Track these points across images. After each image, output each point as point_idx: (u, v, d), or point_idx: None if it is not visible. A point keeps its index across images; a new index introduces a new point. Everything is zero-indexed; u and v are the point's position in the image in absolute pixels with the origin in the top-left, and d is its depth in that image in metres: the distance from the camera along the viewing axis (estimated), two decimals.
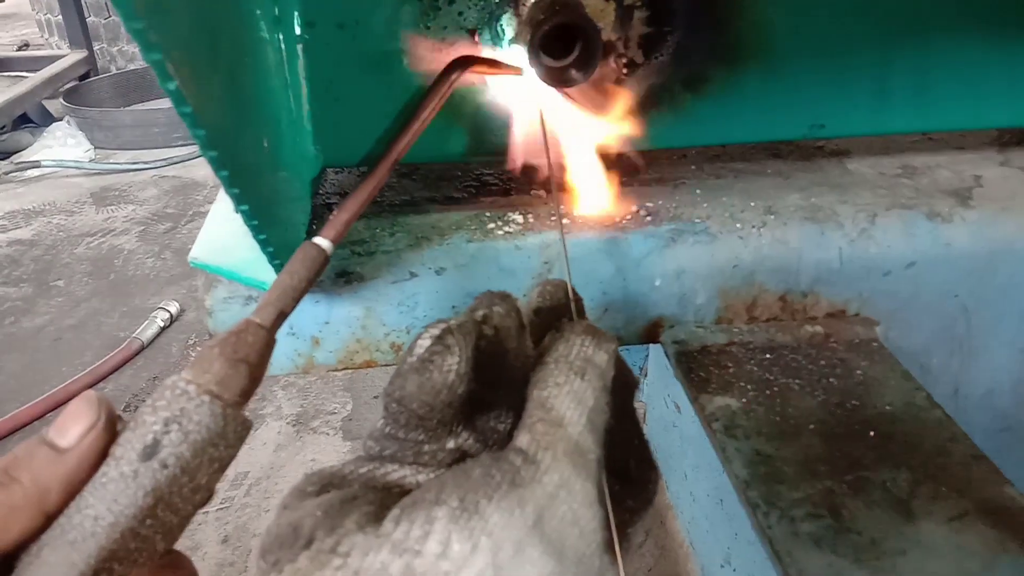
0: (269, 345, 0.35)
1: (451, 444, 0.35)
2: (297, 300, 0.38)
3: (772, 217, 0.64)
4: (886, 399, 0.57)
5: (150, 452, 0.30)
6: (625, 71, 0.61)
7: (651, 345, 0.70)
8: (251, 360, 0.34)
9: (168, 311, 1.99)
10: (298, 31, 0.56)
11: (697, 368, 0.61)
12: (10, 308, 2.12)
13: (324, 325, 0.59)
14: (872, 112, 0.65)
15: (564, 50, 0.56)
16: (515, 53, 0.56)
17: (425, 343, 0.33)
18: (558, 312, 0.40)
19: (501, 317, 0.35)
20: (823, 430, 0.55)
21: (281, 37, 0.55)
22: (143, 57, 0.29)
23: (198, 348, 1.87)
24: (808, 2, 0.61)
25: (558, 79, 0.55)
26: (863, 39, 0.64)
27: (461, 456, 0.35)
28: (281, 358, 0.59)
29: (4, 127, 3.32)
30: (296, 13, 0.55)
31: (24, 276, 2.29)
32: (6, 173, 3.06)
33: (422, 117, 0.52)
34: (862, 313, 0.65)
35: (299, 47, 0.55)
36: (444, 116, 0.63)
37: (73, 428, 0.31)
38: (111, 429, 0.31)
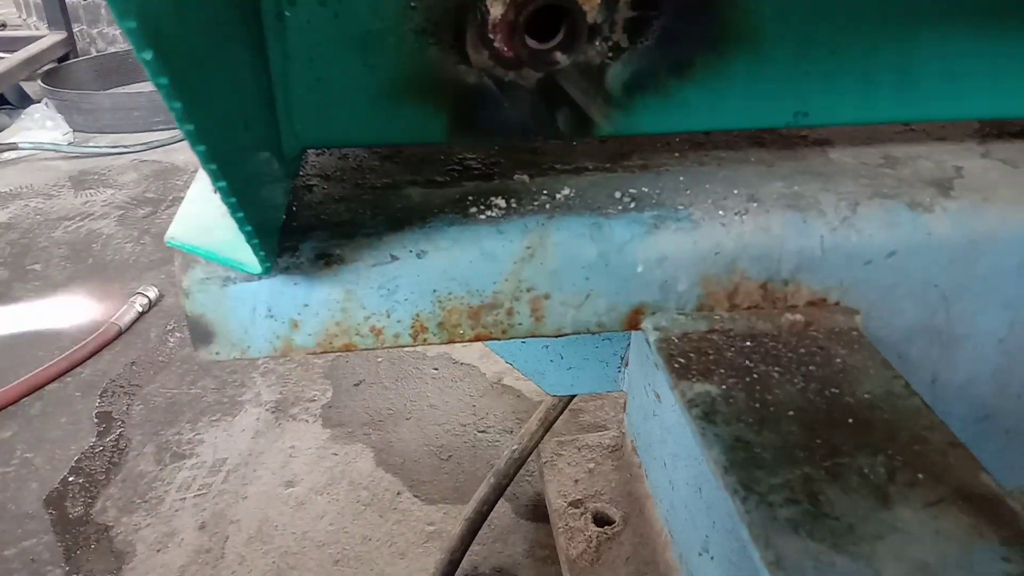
0: None
1: None
2: None
3: (755, 205, 0.64)
4: (865, 387, 0.58)
5: None
6: (610, 55, 0.61)
7: (633, 333, 0.70)
8: None
9: (147, 296, 1.97)
10: (281, 7, 0.55)
11: (678, 355, 0.61)
12: None
13: (303, 307, 0.58)
14: (856, 101, 0.66)
15: (549, 32, 0.56)
16: None
17: None
18: None
19: None
20: (802, 417, 0.55)
21: (262, 12, 0.54)
22: (118, 24, 0.29)
23: (177, 334, 1.86)
24: None
25: (543, 61, 0.54)
26: (849, 28, 0.64)
27: None
28: (260, 340, 0.58)
29: None
30: None
31: (0, 259, 2.26)
32: None
33: None
34: (843, 302, 0.65)
35: (281, 24, 0.54)
36: (426, 100, 0.62)
37: None
38: None
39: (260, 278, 0.56)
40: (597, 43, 0.59)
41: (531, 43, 0.56)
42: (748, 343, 0.63)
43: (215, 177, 0.39)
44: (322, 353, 0.60)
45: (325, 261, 0.58)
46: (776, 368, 0.60)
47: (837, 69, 0.65)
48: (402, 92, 0.61)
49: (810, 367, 0.60)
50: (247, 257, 0.53)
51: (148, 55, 0.30)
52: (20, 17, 4.38)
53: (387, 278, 0.59)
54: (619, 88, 0.62)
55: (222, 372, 1.71)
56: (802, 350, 0.62)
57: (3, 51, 3.76)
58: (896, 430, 0.54)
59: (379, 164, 0.71)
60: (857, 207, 0.64)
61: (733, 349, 0.62)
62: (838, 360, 0.61)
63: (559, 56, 0.54)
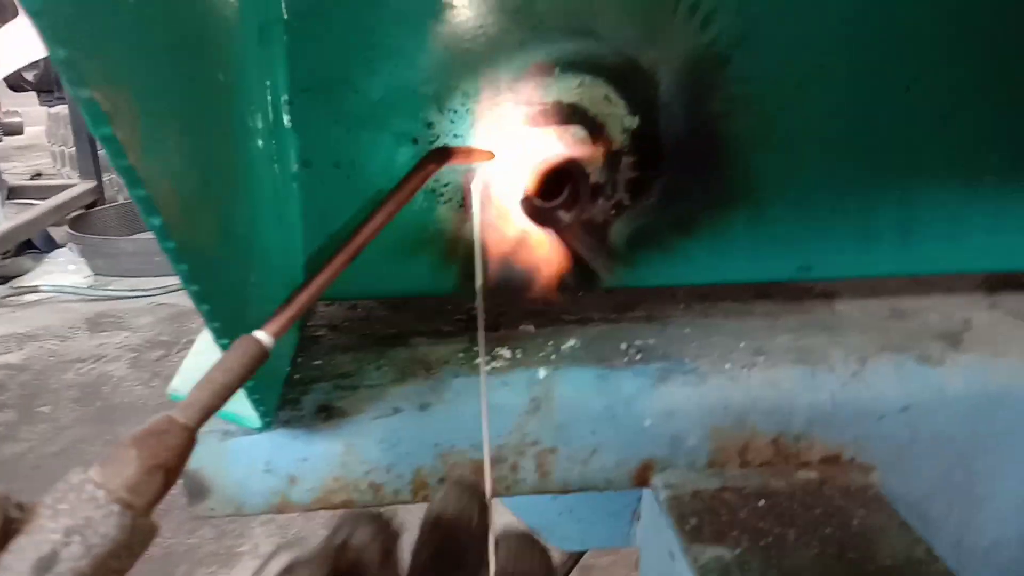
0: (190, 447, 0.32)
1: None
2: (227, 398, 0.35)
3: (762, 358, 0.63)
4: (885, 552, 0.55)
5: (45, 566, 0.26)
6: (613, 212, 0.62)
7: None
8: (169, 465, 0.30)
9: None
10: (294, 169, 0.57)
11: (689, 515, 0.59)
12: None
13: (302, 462, 0.57)
14: (858, 255, 0.66)
15: (553, 191, 0.58)
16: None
17: None
18: (464, 524, 0.37)
19: (363, 545, 0.33)
20: None
21: (277, 172, 0.57)
22: (128, 192, 0.30)
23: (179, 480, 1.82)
24: (795, 149, 0.63)
25: (546, 219, 0.56)
26: (849, 184, 0.65)
27: None
28: (255, 497, 0.56)
29: (7, 252, 3.37)
30: (293, 152, 0.56)
31: (9, 401, 2.25)
32: (4, 297, 3.08)
33: (389, 210, 0.49)
34: (858, 458, 0.63)
35: (294, 183, 0.56)
36: (438, 253, 0.64)
37: None
38: (4, 532, 0.27)
39: (260, 432, 0.55)
40: (600, 201, 0.61)
41: (536, 202, 0.57)
42: (762, 502, 0.60)
43: (218, 335, 0.39)
44: (319, 509, 0.58)
45: (327, 414, 0.57)
46: (792, 530, 0.57)
47: (839, 225, 0.66)
48: (412, 247, 0.63)
49: (827, 529, 0.57)
50: (247, 411, 0.52)
51: (156, 221, 0.31)
52: (55, 167, 4.60)
53: (389, 431, 0.58)
54: (623, 243, 0.63)
55: (221, 521, 1.66)
56: (818, 510, 0.59)
57: (36, 199, 3.93)
58: None
59: (387, 314, 0.72)
60: (866, 361, 0.63)
61: (747, 509, 0.60)
62: (856, 521, 0.58)
63: (563, 215, 0.56)
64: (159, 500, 0.30)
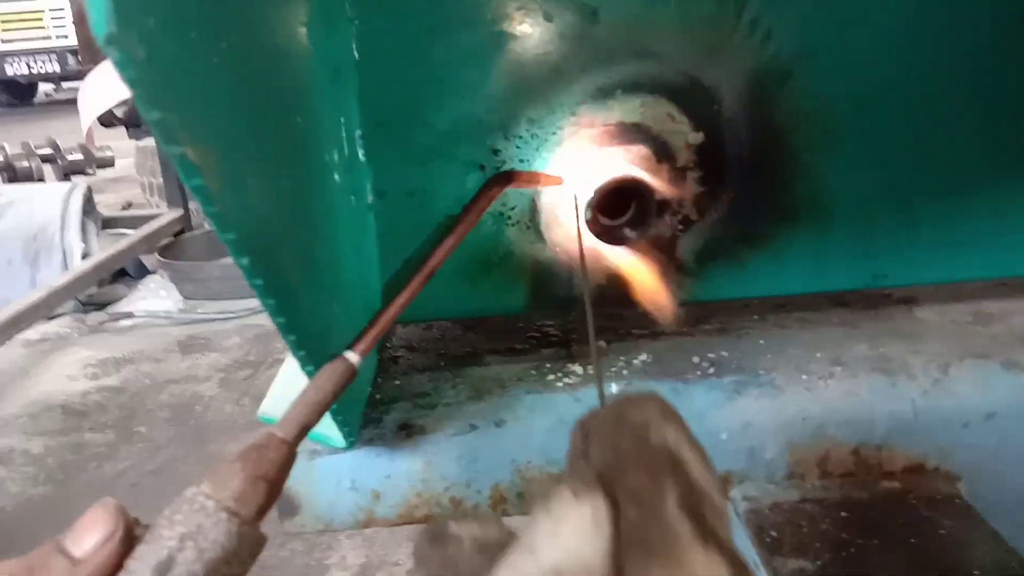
0: (290, 460, 0.35)
1: None
2: (321, 414, 0.38)
3: (839, 368, 0.63)
4: (976, 563, 0.54)
5: (163, 569, 0.30)
6: (680, 228, 0.63)
7: None
8: (271, 477, 0.34)
9: None
10: (370, 200, 0.60)
11: (769, 527, 0.59)
12: (94, 454, 2.19)
13: (385, 479, 0.59)
14: (937, 260, 0.65)
15: (619, 209, 0.59)
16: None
17: None
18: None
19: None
20: None
21: (354, 204, 0.59)
22: (218, 236, 0.32)
23: None
24: (862, 159, 0.62)
25: (613, 237, 0.57)
26: (922, 190, 0.64)
27: None
28: (342, 513, 0.59)
29: (103, 280, 3.56)
30: (368, 183, 0.59)
31: (109, 422, 2.38)
32: (101, 323, 3.25)
33: (459, 231, 0.52)
34: (942, 467, 0.62)
35: (370, 214, 0.59)
36: (506, 272, 0.65)
37: (89, 537, 0.30)
38: (128, 540, 0.31)
39: (345, 451, 0.58)
40: (667, 217, 0.62)
41: (603, 220, 0.58)
42: (844, 513, 0.59)
43: (303, 363, 0.42)
44: (403, 524, 0.60)
45: (407, 432, 0.59)
46: (876, 541, 0.57)
47: (915, 231, 0.65)
48: (483, 268, 0.64)
49: (913, 539, 0.56)
50: (333, 432, 0.55)
51: (245, 261, 0.33)
52: (145, 197, 4.83)
53: (466, 448, 0.59)
54: (691, 257, 0.64)
55: (310, 534, 1.72)
56: (902, 520, 0.58)
57: (128, 228, 4.13)
58: None
59: (461, 334, 0.74)
60: (948, 368, 0.62)
61: (828, 520, 0.59)
62: (942, 532, 0.57)
63: (628, 232, 0.56)
64: (265, 511, 0.33)
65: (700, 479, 0.28)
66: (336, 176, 0.55)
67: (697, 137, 0.61)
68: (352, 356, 0.41)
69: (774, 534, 0.58)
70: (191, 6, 0.32)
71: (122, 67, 0.25)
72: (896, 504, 0.60)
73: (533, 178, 0.57)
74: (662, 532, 0.25)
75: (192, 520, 0.31)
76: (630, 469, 0.27)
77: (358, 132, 0.59)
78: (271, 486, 0.33)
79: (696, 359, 0.65)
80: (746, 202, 0.62)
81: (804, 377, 0.62)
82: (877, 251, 0.64)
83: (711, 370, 0.63)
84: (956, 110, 0.62)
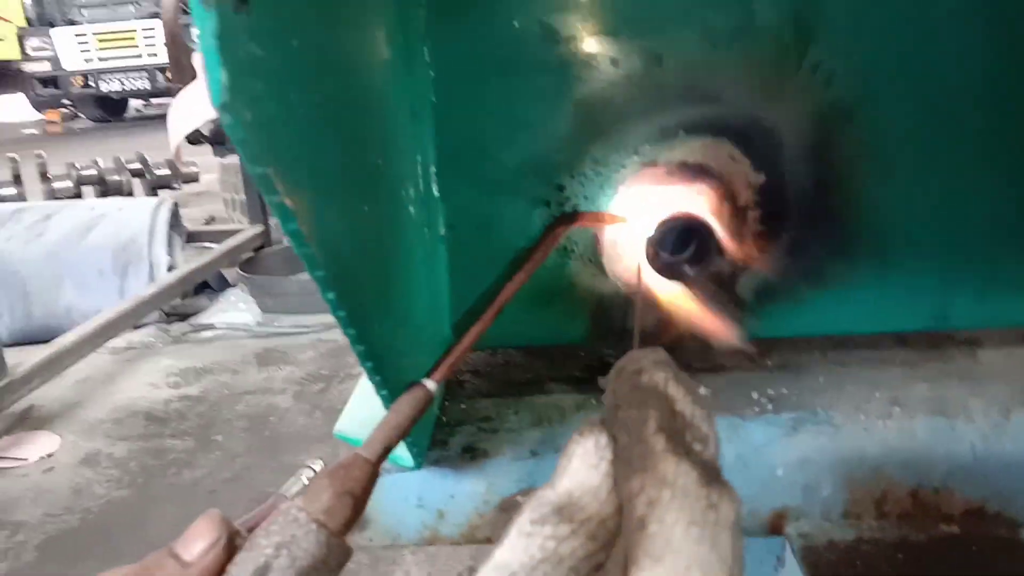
0: (373, 478, 0.39)
1: None
2: (401, 437, 0.42)
3: (898, 409, 0.63)
4: None
5: (260, 573, 0.33)
6: (741, 265, 0.64)
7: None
8: (356, 493, 0.37)
9: (313, 469, 2.08)
10: (442, 232, 0.63)
11: (824, 566, 0.59)
12: (174, 460, 2.29)
13: (450, 498, 0.62)
14: (1001, 304, 0.65)
15: (681, 246, 0.61)
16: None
17: None
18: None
19: None
20: None
21: (427, 236, 0.63)
22: (309, 274, 0.36)
23: None
24: (923, 200, 0.63)
25: (673, 273, 0.59)
26: (987, 232, 0.64)
27: None
28: (409, 529, 0.62)
29: (187, 293, 3.72)
30: (440, 217, 0.62)
31: (188, 430, 2.48)
32: (184, 334, 3.39)
33: (528, 268, 0.56)
34: (1003, 512, 0.61)
35: (442, 247, 0.62)
36: (569, 303, 0.68)
37: (197, 543, 0.34)
38: (231, 547, 0.34)
39: (413, 470, 0.61)
40: (727, 255, 0.63)
41: (663, 256, 0.60)
42: (900, 555, 0.60)
43: (379, 387, 0.45)
44: (466, 544, 0.63)
45: (471, 455, 0.62)
46: None
47: (979, 273, 0.65)
48: (546, 299, 0.67)
49: None
50: (403, 452, 0.58)
51: (331, 295, 0.37)
52: (227, 212, 5.03)
53: (526, 473, 0.62)
54: (750, 294, 0.65)
55: (375, 548, 1.76)
56: (960, 565, 0.58)
57: (211, 242, 4.31)
58: None
59: (525, 360, 0.77)
60: (1010, 413, 0.61)
61: (884, 561, 0.59)
62: None
63: (688, 269, 0.58)
64: (351, 524, 0.36)
65: (686, 410, 0.32)
66: (412, 210, 0.59)
67: (758, 177, 0.62)
68: (430, 384, 0.45)
69: (828, 572, 0.58)
70: (292, 66, 0.35)
71: (231, 130, 0.29)
72: (954, 548, 0.60)
73: (597, 218, 0.60)
74: (641, 449, 0.30)
75: (287, 531, 0.34)
76: (623, 406, 0.32)
77: (433, 168, 0.62)
78: (356, 501, 0.37)
79: (755, 395, 0.66)
80: (807, 240, 0.63)
81: (863, 417, 0.63)
82: (940, 292, 0.64)
83: (769, 406, 0.64)
84: (1021, 148, 0.62)
